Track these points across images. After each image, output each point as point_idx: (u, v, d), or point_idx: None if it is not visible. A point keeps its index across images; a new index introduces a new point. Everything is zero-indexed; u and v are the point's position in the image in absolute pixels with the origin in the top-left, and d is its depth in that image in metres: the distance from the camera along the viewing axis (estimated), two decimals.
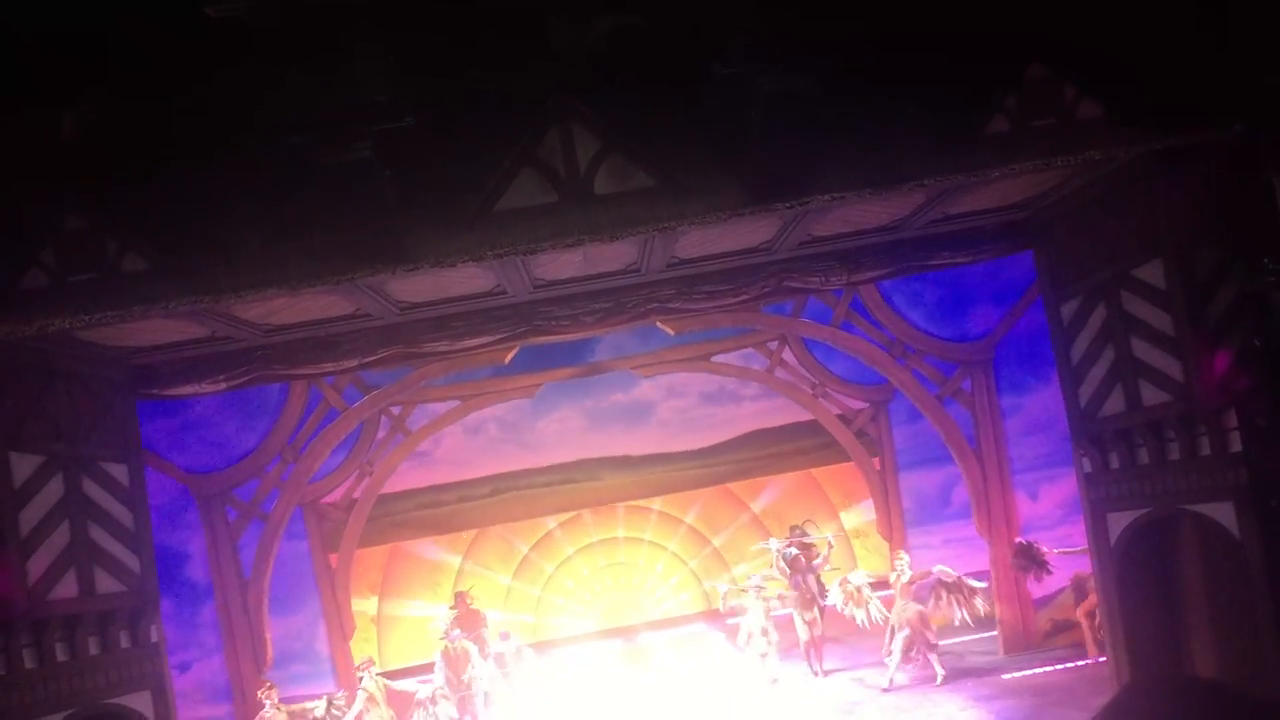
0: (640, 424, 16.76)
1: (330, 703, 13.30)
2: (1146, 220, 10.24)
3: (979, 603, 14.04)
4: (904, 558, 14.53)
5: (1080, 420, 11.61)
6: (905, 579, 14.22)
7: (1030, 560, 14.31)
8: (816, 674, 15.09)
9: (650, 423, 16.75)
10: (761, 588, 14.85)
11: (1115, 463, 11.26)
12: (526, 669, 14.65)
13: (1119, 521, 11.25)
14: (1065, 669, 13.66)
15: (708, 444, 17.17)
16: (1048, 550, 14.27)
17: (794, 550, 15.15)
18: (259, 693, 13.14)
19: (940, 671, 13.82)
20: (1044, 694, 12.76)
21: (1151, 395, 10.52)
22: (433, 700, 13.85)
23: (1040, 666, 13.87)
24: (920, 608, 14.06)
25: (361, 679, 13.58)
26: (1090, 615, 13.81)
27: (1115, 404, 11.03)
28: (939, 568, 14.44)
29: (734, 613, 14.91)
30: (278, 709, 13.03)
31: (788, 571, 15.30)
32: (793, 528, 15.70)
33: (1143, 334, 10.52)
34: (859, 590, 14.53)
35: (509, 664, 14.63)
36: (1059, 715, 11.73)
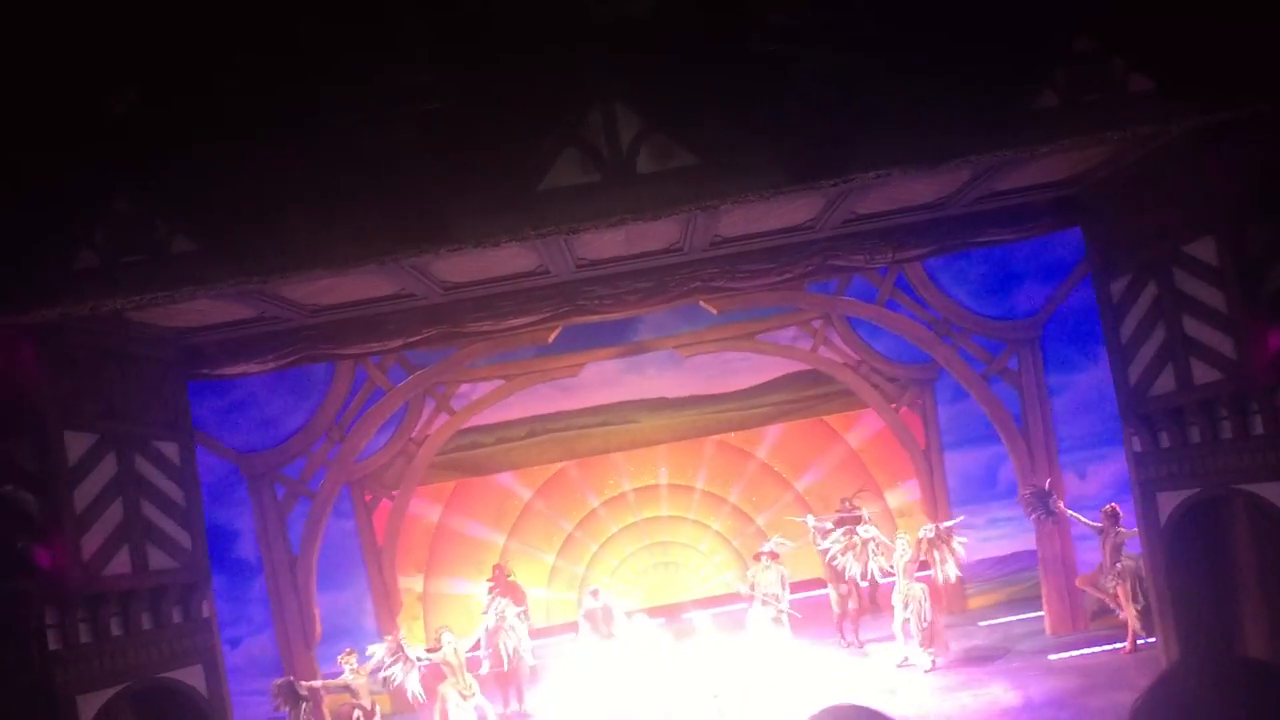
0: (676, 366, 16.64)
1: (389, 646, 13.45)
2: (1198, 196, 10.07)
3: (957, 544, 14.03)
4: (904, 537, 14.40)
5: (1130, 399, 11.47)
6: (907, 558, 14.10)
7: (1040, 505, 14.14)
8: (850, 645, 15.09)
9: (687, 365, 16.63)
10: (775, 553, 14.77)
11: (1166, 442, 11.12)
12: (617, 625, 14.66)
13: (1169, 501, 11.12)
14: (1112, 650, 13.56)
15: (745, 386, 17.04)
16: (1063, 507, 14.12)
17: (829, 524, 15.08)
18: (339, 658, 13.37)
19: (936, 658, 13.86)
20: (1090, 675, 12.68)
21: (1203, 373, 10.36)
22: (500, 626, 13.97)
23: (1087, 647, 13.77)
24: (924, 586, 13.97)
25: (441, 647, 13.67)
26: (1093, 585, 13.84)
27: (1166, 382, 10.88)
28: (922, 530, 14.31)
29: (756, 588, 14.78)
30: (357, 673, 13.29)
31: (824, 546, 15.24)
32: (843, 500, 15.64)
33: (1194, 311, 10.35)
34: (864, 544, 14.35)
35: (600, 622, 14.67)
36: (1106, 696, 11.64)
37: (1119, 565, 13.53)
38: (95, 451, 9.88)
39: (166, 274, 8.81)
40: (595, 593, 15.17)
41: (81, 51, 8.30)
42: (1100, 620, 14.50)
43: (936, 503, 16.43)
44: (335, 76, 8.66)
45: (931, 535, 14.16)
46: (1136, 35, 8.96)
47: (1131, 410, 11.49)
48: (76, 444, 9.68)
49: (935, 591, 14.08)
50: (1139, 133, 9.31)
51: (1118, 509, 13.63)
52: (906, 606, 13.94)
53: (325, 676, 14.03)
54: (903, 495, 17.40)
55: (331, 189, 8.78)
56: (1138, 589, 13.29)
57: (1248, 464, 10.10)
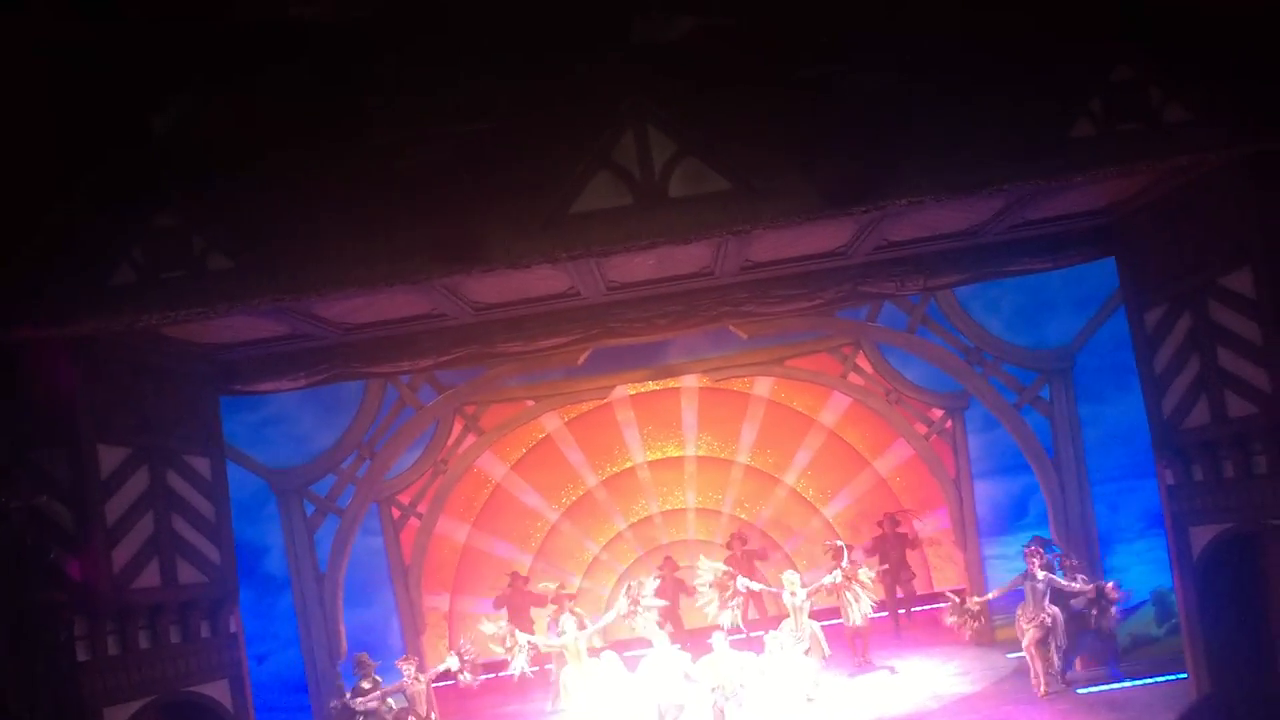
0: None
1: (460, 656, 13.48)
2: (1235, 227, 9.97)
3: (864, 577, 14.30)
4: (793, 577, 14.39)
5: (1163, 431, 11.36)
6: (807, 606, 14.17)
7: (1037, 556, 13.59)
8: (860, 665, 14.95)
9: None
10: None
11: (1199, 475, 11.00)
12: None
13: (1202, 535, 11.00)
14: (1142, 685, 13.37)
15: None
16: (1054, 577, 13.48)
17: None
18: (398, 663, 13.43)
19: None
20: (1121, 709, 12.51)
21: (1238, 407, 10.25)
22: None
23: (1116, 681, 13.58)
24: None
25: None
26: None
27: (1200, 415, 10.77)
28: (826, 578, 14.41)
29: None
30: (416, 680, 13.35)
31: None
32: (886, 514, 15.51)
33: (1229, 344, 10.25)
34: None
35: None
36: None
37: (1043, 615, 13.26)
38: (128, 465, 9.98)
39: (203, 290, 8.91)
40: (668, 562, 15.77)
41: (126, 68, 8.42)
42: (1130, 654, 14.30)
43: (966, 531, 16.30)
44: (373, 98, 8.76)
45: (839, 580, 14.28)
46: (1174, 64, 8.93)
47: (1164, 443, 11.37)
48: (110, 457, 9.78)
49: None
50: (1175, 162, 9.26)
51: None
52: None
53: (348, 692, 14.03)
54: (932, 524, 17.27)
55: (366, 208, 8.87)
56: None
57: None
